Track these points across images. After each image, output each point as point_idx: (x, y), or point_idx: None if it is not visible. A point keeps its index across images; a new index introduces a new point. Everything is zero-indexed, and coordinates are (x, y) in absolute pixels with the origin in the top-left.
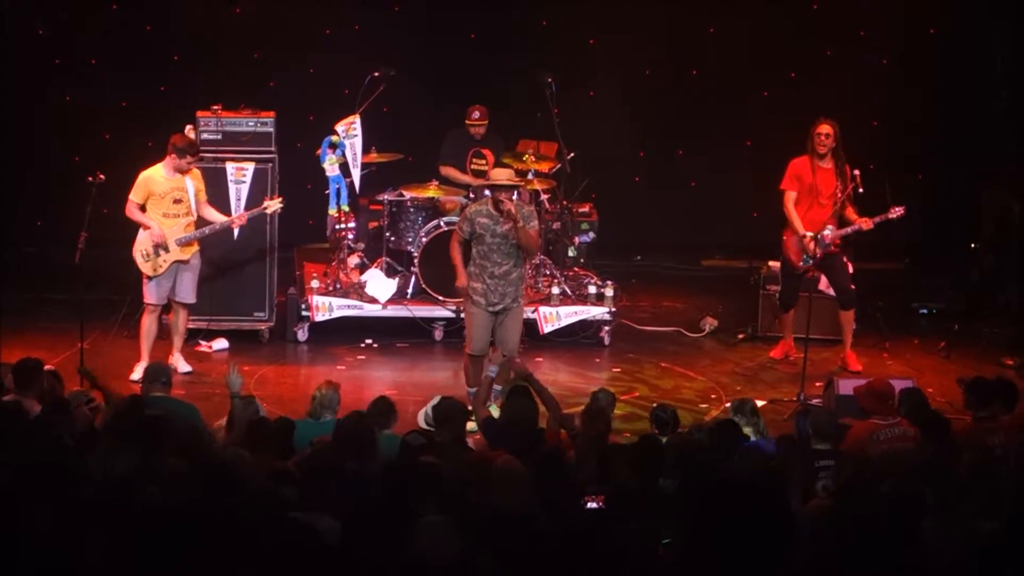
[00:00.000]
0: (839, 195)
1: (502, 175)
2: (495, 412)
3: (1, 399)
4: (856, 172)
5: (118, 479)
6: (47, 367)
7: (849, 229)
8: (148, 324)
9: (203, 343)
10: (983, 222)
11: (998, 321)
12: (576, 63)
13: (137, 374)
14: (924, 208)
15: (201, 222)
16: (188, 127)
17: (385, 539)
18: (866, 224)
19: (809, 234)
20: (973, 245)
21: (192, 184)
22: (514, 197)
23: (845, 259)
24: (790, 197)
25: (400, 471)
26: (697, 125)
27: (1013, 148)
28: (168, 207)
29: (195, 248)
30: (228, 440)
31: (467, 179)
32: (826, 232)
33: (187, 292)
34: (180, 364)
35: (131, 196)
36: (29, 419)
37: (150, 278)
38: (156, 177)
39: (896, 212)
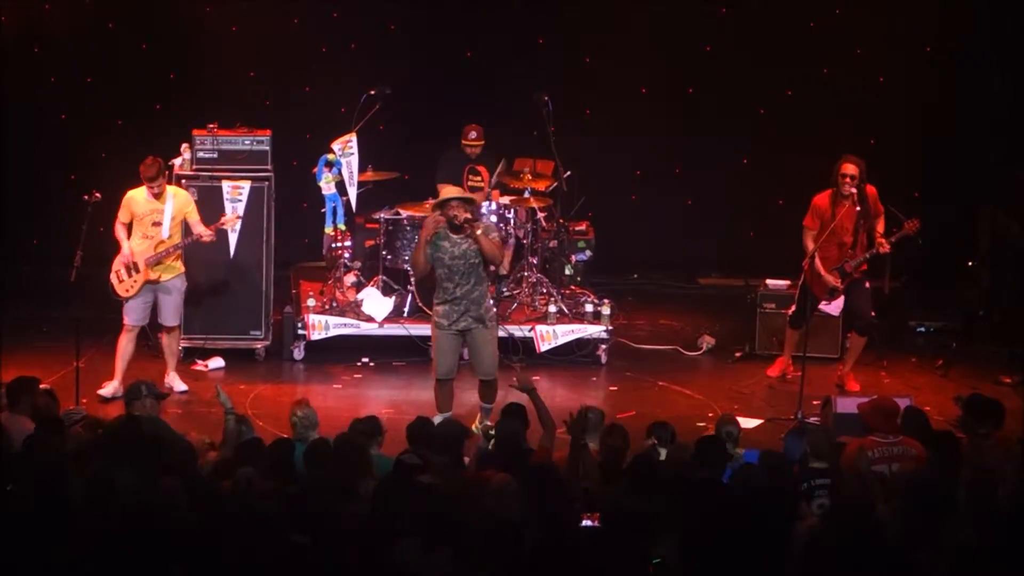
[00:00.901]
0: (861, 230)
1: (451, 192)
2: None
3: None
4: (916, 222)
5: (110, 497)
6: (42, 386)
7: (868, 254)
8: (124, 344)
9: (199, 362)
10: (979, 240)
11: (995, 339)
12: (572, 82)
13: (107, 390)
14: (921, 226)
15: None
16: (184, 145)
17: (376, 558)
18: (883, 248)
19: (829, 278)
20: (970, 263)
21: (172, 207)
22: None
23: (867, 284)
24: (809, 234)
25: (393, 490)
26: (693, 143)
27: (1010, 167)
28: (147, 229)
29: (175, 273)
30: (219, 458)
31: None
32: (847, 263)
33: (168, 315)
34: (176, 384)
35: (118, 215)
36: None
37: (124, 299)
38: (138, 198)
39: (912, 226)
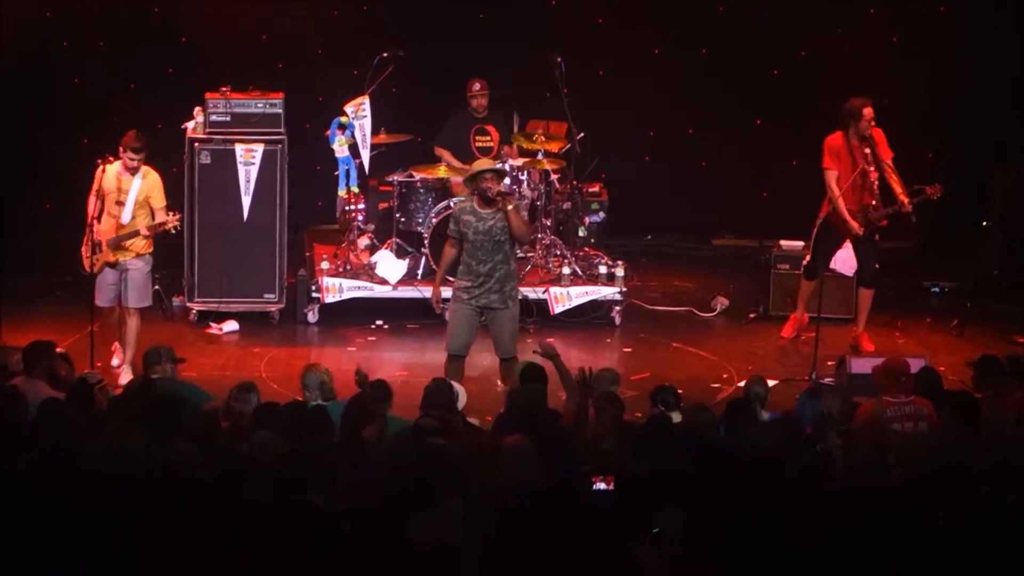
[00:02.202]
0: (875, 169)
1: (481, 164)
2: None
3: (6, 383)
4: (938, 187)
5: (127, 463)
6: (58, 349)
7: (892, 210)
8: (112, 322)
9: (213, 325)
10: (993, 200)
11: (1010, 299)
12: (585, 42)
13: (116, 361)
14: (943, 192)
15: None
16: (197, 109)
17: (394, 521)
18: (906, 207)
19: (854, 222)
20: (984, 223)
21: (139, 189)
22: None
23: (877, 237)
24: (832, 176)
25: (411, 454)
26: (707, 104)
27: (1023, 126)
28: (110, 207)
29: (136, 251)
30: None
31: (458, 165)
32: (870, 213)
33: (131, 296)
34: (124, 375)
35: (93, 185)
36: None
37: (89, 274)
38: (108, 174)
39: (934, 191)
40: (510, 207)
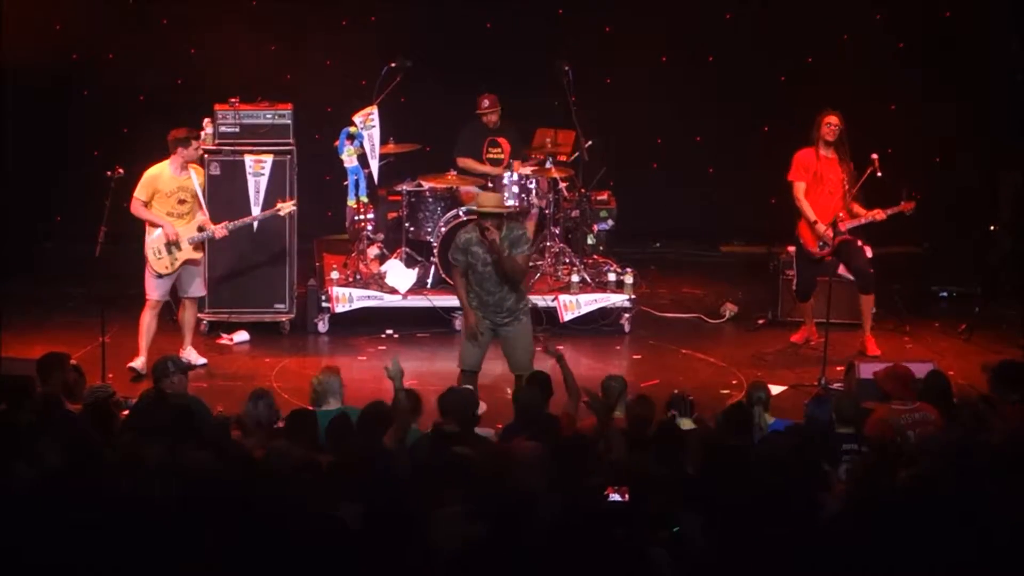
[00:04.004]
0: (847, 184)
1: (489, 201)
2: None
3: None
4: (874, 156)
5: (143, 471)
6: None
7: (863, 219)
8: (148, 320)
9: (224, 336)
10: (1001, 204)
11: (1018, 304)
12: (593, 51)
13: (137, 364)
14: (942, 191)
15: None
16: (206, 120)
17: (410, 528)
18: (879, 215)
19: (822, 225)
20: (992, 227)
21: (199, 183)
22: (523, 219)
23: (860, 243)
24: (800, 188)
25: (432, 461)
26: (714, 111)
27: None
28: (173, 206)
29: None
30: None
31: (485, 169)
32: (840, 222)
33: (197, 287)
34: (193, 357)
35: (136, 194)
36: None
37: (160, 276)
38: (164, 175)
39: (908, 207)
40: (503, 255)
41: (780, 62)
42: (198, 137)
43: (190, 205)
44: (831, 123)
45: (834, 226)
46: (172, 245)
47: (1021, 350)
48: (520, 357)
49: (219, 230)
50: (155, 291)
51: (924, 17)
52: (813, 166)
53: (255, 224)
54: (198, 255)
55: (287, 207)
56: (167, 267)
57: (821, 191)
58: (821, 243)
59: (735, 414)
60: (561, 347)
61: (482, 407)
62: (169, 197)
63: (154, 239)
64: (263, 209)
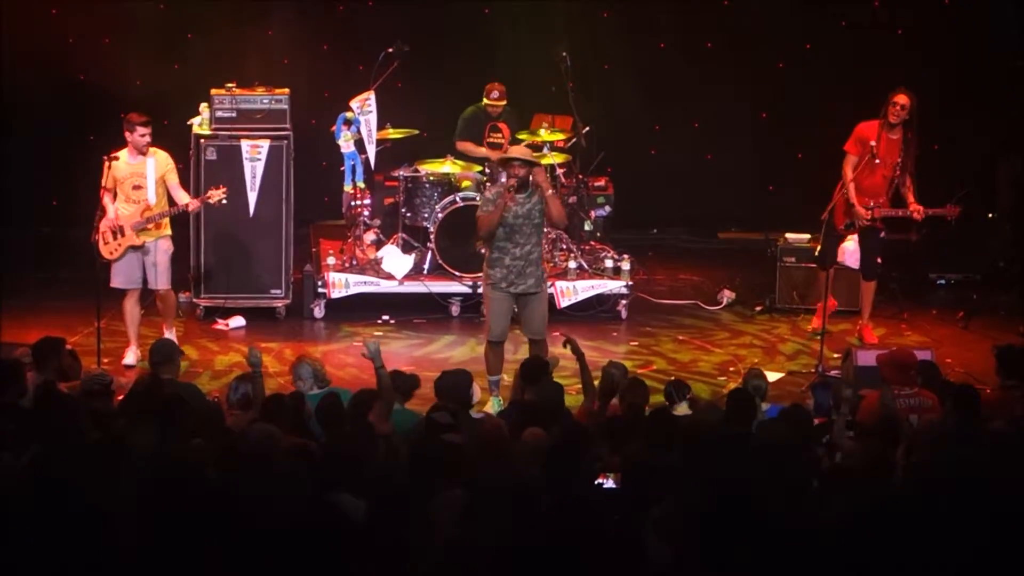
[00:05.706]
0: (898, 171)
1: (519, 151)
2: (495, 405)
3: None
4: (955, 208)
5: (141, 457)
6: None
7: (900, 212)
8: (128, 308)
9: (220, 321)
10: (1000, 191)
11: (1016, 290)
12: (590, 36)
13: (129, 358)
14: (940, 178)
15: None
16: (203, 105)
17: (408, 517)
18: (918, 214)
19: (861, 208)
20: (990, 215)
21: (154, 168)
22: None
23: (883, 233)
24: (850, 160)
25: (425, 449)
26: (712, 97)
27: None
28: (129, 192)
29: (159, 233)
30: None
31: (483, 152)
32: (876, 208)
33: (157, 278)
34: (132, 359)
35: (102, 180)
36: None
37: (109, 262)
38: (119, 163)
39: (952, 212)
40: (549, 192)
41: (778, 49)
42: (146, 124)
43: (144, 192)
44: (898, 103)
45: (872, 212)
46: (115, 232)
47: (1020, 337)
48: (538, 324)
49: (191, 205)
50: (114, 278)
51: (923, 3)
52: (871, 140)
53: (252, 209)
54: (141, 241)
55: (217, 195)
56: (112, 253)
57: (872, 170)
58: (848, 222)
59: (736, 404)
60: (557, 333)
61: (476, 392)
62: (124, 182)
63: (102, 224)
64: (258, 195)
